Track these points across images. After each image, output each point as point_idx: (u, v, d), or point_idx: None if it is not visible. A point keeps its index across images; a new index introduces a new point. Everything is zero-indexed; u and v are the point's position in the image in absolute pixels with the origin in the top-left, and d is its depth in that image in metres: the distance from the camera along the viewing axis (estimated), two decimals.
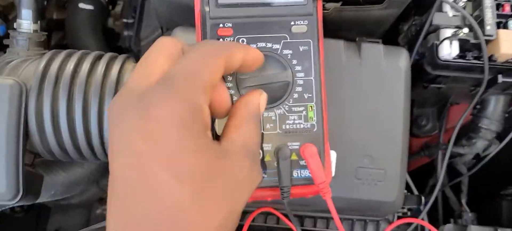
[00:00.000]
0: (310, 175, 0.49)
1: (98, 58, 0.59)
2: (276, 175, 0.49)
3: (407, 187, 0.69)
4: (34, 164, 0.63)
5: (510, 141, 0.69)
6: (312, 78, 0.50)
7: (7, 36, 0.65)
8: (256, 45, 0.49)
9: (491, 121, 0.69)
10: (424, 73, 0.64)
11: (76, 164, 0.71)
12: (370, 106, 0.57)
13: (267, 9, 0.50)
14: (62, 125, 0.55)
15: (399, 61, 0.58)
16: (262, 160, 0.49)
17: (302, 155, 0.49)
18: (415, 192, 0.70)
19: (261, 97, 0.44)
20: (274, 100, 0.49)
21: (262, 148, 0.49)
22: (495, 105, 0.69)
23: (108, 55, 0.60)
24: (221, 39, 0.49)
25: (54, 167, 0.68)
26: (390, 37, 0.77)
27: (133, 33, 0.82)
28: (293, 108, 0.50)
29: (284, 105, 0.49)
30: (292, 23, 0.50)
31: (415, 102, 0.79)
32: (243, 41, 0.49)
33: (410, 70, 0.59)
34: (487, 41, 0.58)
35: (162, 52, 0.36)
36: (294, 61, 0.50)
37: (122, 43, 0.84)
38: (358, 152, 0.56)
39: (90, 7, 0.81)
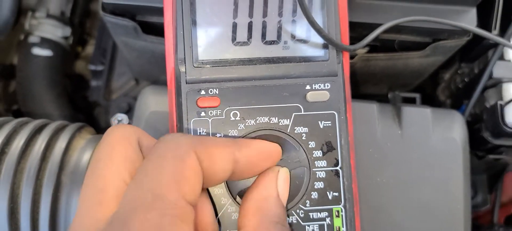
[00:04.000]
0: None
1: (38, 130, 0.43)
2: None
3: None
4: None
5: None
6: (339, 168, 0.33)
7: None
8: (255, 121, 0.33)
9: None
10: (481, 142, 0.48)
11: None
12: (418, 195, 0.40)
13: (269, 68, 0.34)
14: None
15: (453, 131, 0.42)
16: None
17: None
18: None
19: (281, 182, 0.31)
20: None
21: None
22: None
23: (52, 126, 0.43)
24: (203, 113, 0.33)
25: None
26: (424, 88, 0.61)
27: (103, 83, 0.66)
28: (311, 214, 0.33)
29: (298, 211, 0.33)
30: (308, 87, 0.34)
31: None
32: (235, 115, 0.33)
33: (467, 143, 0.43)
34: None
35: (114, 158, 0.28)
36: (311, 144, 0.33)
37: (90, 96, 0.68)
38: None
39: (47, 53, 0.65)
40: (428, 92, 0.60)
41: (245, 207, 0.30)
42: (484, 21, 0.48)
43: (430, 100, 0.59)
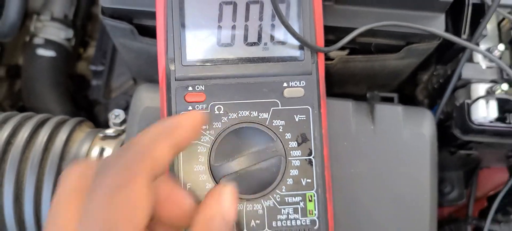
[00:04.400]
0: None
1: (41, 124, 0.47)
2: None
3: None
4: None
5: None
6: (312, 157, 0.37)
7: None
8: (237, 114, 0.37)
9: None
10: (451, 138, 0.51)
11: None
12: (388, 186, 0.44)
13: (250, 67, 0.38)
14: None
15: (423, 127, 0.46)
16: None
17: None
18: None
19: (226, 200, 0.30)
20: (261, 188, 0.37)
21: None
22: None
23: (54, 120, 0.47)
24: (190, 107, 0.37)
25: None
26: (404, 88, 0.64)
27: (103, 82, 0.70)
28: (286, 198, 0.37)
29: (275, 195, 0.37)
30: (285, 84, 0.38)
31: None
32: (219, 109, 0.37)
33: (436, 138, 0.46)
34: None
35: (69, 201, 0.26)
36: (288, 135, 0.37)
37: (90, 94, 0.72)
38: None
39: (51, 53, 0.69)
40: (408, 93, 0.63)
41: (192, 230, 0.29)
42: (457, 25, 0.52)
43: (410, 100, 0.62)
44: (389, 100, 0.57)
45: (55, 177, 0.44)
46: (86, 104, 0.74)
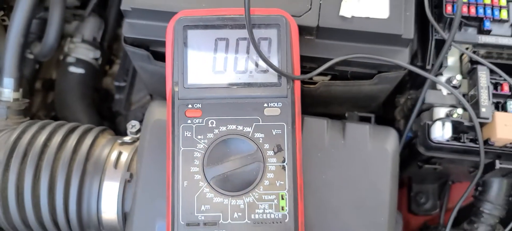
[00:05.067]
0: None
1: (71, 131, 0.57)
2: None
3: None
4: None
5: None
6: (285, 164, 0.46)
7: None
8: (226, 128, 0.47)
9: (494, 206, 0.64)
10: (417, 154, 0.60)
11: None
12: (354, 191, 0.52)
13: (238, 90, 0.47)
14: (27, 202, 0.53)
15: (387, 143, 0.54)
16: None
17: None
18: None
19: None
20: (243, 186, 0.46)
21: None
22: (499, 189, 0.63)
23: (82, 128, 0.58)
24: (189, 120, 0.47)
25: None
26: (386, 110, 0.73)
27: (124, 96, 0.81)
28: (263, 196, 0.46)
29: (254, 193, 0.46)
30: (265, 105, 0.47)
31: (413, 179, 0.74)
32: (212, 123, 0.47)
33: (398, 153, 0.54)
34: (483, 124, 0.54)
35: None
36: (266, 146, 0.46)
37: (113, 106, 0.83)
38: None
39: (81, 70, 0.80)
40: (388, 115, 0.72)
41: None
42: (424, 57, 0.60)
43: (390, 120, 0.71)
44: (367, 119, 0.65)
45: (81, 174, 0.54)
46: (109, 115, 0.84)
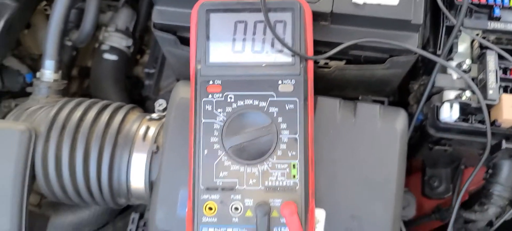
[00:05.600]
0: None
1: (104, 107, 0.62)
2: None
3: None
4: (41, 204, 0.66)
5: None
6: (296, 136, 0.50)
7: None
8: (243, 102, 0.51)
9: (504, 188, 0.66)
10: (427, 135, 0.63)
11: (83, 206, 0.74)
12: (363, 167, 0.55)
13: (255, 68, 0.51)
14: (64, 170, 0.58)
15: (396, 123, 0.57)
16: (243, 215, 0.49)
17: (282, 213, 0.49)
18: None
19: None
20: (258, 156, 0.50)
21: (243, 203, 0.50)
22: (509, 171, 0.66)
23: (113, 105, 0.63)
24: (210, 95, 0.51)
25: (61, 208, 0.71)
26: (401, 96, 0.76)
27: (153, 82, 0.86)
28: (276, 165, 0.50)
29: (268, 162, 0.50)
30: (279, 82, 0.51)
31: (426, 163, 0.77)
32: (231, 97, 0.51)
33: (406, 132, 0.57)
34: (490, 106, 0.56)
35: None
36: (280, 119, 0.50)
37: (143, 92, 0.88)
38: (347, 213, 0.54)
39: (114, 57, 0.86)
40: (403, 101, 0.74)
41: None
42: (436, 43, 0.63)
43: (405, 106, 0.73)
44: (381, 103, 0.68)
45: (112, 146, 0.59)
46: (140, 99, 0.90)
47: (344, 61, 0.64)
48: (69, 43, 0.85)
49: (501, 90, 0.58)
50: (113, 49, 0.86)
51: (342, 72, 0.64)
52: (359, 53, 0.61)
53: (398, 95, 0.78)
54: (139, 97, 0.91)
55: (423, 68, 0.68)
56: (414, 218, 0.72)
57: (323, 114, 0.57)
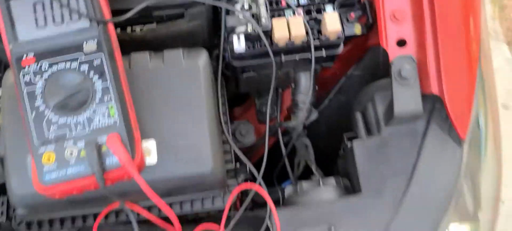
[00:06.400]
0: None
1: None
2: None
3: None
4: None
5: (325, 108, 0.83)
6: (108, 84, 0.61)
7: None
8: (57, 66, 0.61)
9: (304, 95, 0.82)
10: (233, 67, 0.77)
11: None
12: (177, 99, 0.68)
13: (61, 37, 0.62)
14: None
15: (198, 60, 0.70)
16: (78, 156, 0.60)
17: (107, 144, 0.60)
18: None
19: None
20: (79, 106, 0.60)
21: (77, 147, 0.60)
22: (305, 80, 0.82)
23: None
24: (26, 67, 0.60)
25: None
26: None
27: None
28: (97, 110, 0.61)
29: (89, 109, 0.61)
30: (84, 43, 0.62)
31: (252, 93, 0.93)
32: (45, 65, 0.61)
33: (209, 67, 0.71)
34: (266, 32, 0.72)
35: None
36: (91, 73, 0.61)
37: None
38: (173, 138, 0.66)
39: None
40: None
41: None
42: None
43: None
44: None
45: None
46: None
47: (154, 24, 0.77)
48: None
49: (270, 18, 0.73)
50: None
51: (154, 34, 0.76)
52: (161, 13, 0.74)
53: None
54: None
55: None
56: (255, 143, 0.87)
57: (138, 65, 0.69)
